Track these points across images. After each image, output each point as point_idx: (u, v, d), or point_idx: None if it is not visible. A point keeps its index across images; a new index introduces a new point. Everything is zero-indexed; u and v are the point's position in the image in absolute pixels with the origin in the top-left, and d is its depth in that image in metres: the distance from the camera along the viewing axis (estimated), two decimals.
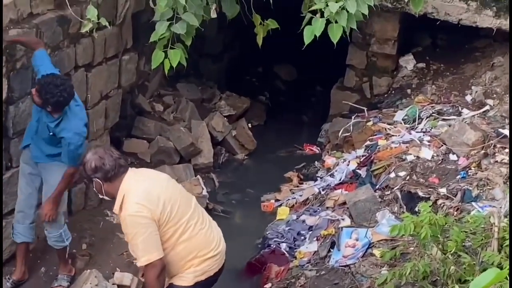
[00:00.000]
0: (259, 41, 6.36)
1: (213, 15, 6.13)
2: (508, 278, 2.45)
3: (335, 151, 7.96)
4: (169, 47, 5.85)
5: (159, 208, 4.83)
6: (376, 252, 6.12)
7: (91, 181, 4.99)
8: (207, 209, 7.34)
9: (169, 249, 4.96)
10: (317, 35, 5.80)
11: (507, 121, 7.09)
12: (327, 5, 5.86)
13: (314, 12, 5.93)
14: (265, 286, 6.48)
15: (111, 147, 5.61)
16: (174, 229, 4.94)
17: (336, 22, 5.86)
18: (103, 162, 4.89)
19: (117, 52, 7.17)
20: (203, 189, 7.60)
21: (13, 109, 6.06)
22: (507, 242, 5.03)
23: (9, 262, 6.44)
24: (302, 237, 6.83)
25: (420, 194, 6.45)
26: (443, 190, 6.45)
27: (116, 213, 5.06)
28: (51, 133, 5.83)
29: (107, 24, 5.96)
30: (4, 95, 5.91)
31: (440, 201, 6.33)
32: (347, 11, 5.89)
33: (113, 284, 6.34)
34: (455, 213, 6.03)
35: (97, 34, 6.16)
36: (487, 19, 7.49)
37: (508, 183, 6.29)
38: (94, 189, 5.07)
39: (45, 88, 5.55)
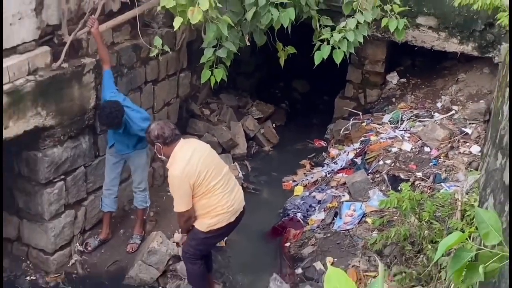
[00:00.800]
0: (281, 62, 6.59)
1: (247, 43, 6.35)
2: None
3: (337, 145, 8.11)
4: (214, 67, 6.07)
5: (194, 175, 5.18)
6: (369, 220, 6.32)
7: (154, 145, 5.36)
8: (242, 187, 7.62)
9: (196, 200, 5.29)
10: (325, 57, 6.06)
11: (468, 122, 7.22)
12: (332, 35, 6.10)
13: (322, 40, 6.14)
14: (285, 245, 6.66)
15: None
16: (202, 190, 5.26)
17: (339, 48, 6.07)
18: (163, 131, 5.28)
19: (176, 71, 7.37)
20: (239, 172, 7.82)
21: None
22: (468, 213, 5.19)
23: (96, 226, 6.75)
24: (313, 209, 6.96)
25: (402, 176, 6.60)
26: (419, 174, 6.60)
27: (168, 168, 5.40)
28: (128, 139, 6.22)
29: (168, 50, 6.23)
30: (93, 103, 6.22)
31: (417, 182, 6.47)
32: (347, 40, 6.09)
33: (173, 242, 6.49)
34: (428, 191, 6.19)
35: (161, 57, 6.43)
36: (453, 45, 7.61)
37: (468, 168, 6.48)
38: (155, 150, 5.43)
39: (101, 120, 6.02)
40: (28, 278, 6.36)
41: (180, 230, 5.93)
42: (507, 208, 3.46)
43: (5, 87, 5.27)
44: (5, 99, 5.27)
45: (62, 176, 6.17)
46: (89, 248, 6.60)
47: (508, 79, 4.79)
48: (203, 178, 5.23)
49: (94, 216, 6.74)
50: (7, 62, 5.31)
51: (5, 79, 5.28)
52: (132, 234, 6.74)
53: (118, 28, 6.38)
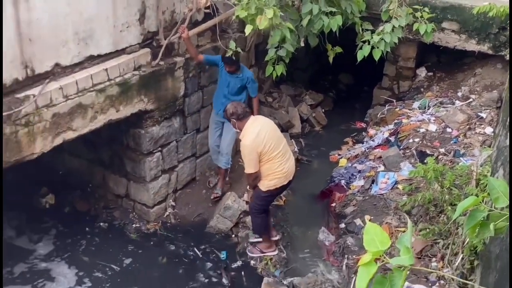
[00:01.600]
0: (330, 59, 6.54)
1: (302, 44, 6.33)
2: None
3: (375, 126, 7.99)
4: (275, 63, 6.08)
5: (261, 146, 5.39)
6: (400, 186, 6.25)
7: (230, 121, 5.55)
8: (297, 160, 7.62)
9: (261, 165, 5.52)
10: (365, 55, 6.00)
11: (483, 108, 7.04)
12: (372, 37, 6.03)
13: (363, 41, 6.08)
14: (331, 205, 6.65)
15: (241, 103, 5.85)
16: (266, 157, 5.42)
17: (377, 47, 5.99)
18: (237, 109, 5.47)
19: (247, 68, 7.37)
20: (294, 147, 7.77)
21: (187, 100, 6.43)
22: (482, 182, 5.09)
23: (186, 186, 6.88)
24: (354, 177, 6.91)
25: (428, 152, 6.49)
26: (442, 150, 6.49)
27: (241, 139, 5.57)
28: (238, 86, 6.24)
29: (240, 50, 6.25)
30: (182, 92, 6.33)
31: (440, 157, 6.36)
32: (385, 41, 6.01)
33: (243, 200, 6.60)
34: (449, 164, 6.08)
35: (234, 57, 6.47)
36: (472, 45, 7.41)
37: (483, 145, 6.33)
38: (231, 124, 5.62)
39: (228, 61, 6.09)
40: (134, 225, 6.59)
41: (248, 187, 6.16)
42: None
43: (116, 80, 5.45)
44: (116, 89, 5.45)
45: (159, 148, 6.31)
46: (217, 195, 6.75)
47: None
48: (268, 149, 5.42)
49: (184, 179, 6.88)
50: (118, 60, 5.49)
51: (116, 73, 5.46)
52: (217, 187, 6.83)
53: (202, 34, 6.45)
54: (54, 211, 6.71)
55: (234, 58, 6.08)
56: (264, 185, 5.64)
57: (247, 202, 6.61)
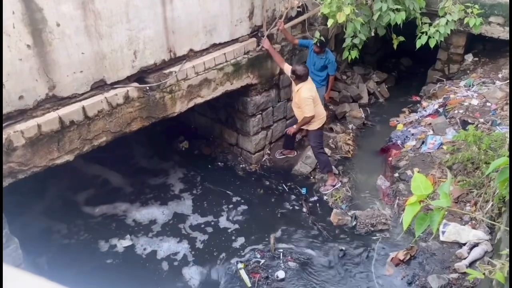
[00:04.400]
0: (395, 46, 6.23)
1: (372, 34, 6.07)
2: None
3: (428, 99, 7.53)
4: (351, 49, 5.91)
5: (313, 98, 5.53)
6: (444, 147, 5.90)
7: (292, 78, 5.59)
8: (363, 124, 7.41)
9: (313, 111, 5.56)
10: (423, 43, 5.66)
11: None
12: (429, 29, 5.66)
13: (422, 32, 5.73)
14: (389, 158, 6.40)
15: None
16: (315, 105, 5.48)
17: (433, 37, 5.65)
18: (300, 70, 5.46)
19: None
20: (362, 114, 7.53)
21: (282, 77, 6.33)
22: None
23: (278, 140, 6.83)
24: (408, 138, 6.60)
25: (469, 121, 6.05)
26: (481, 120, 6.02)
27: (295, 92, 5.63)
28: (322, 65, 6.14)
29: (323, 39, 6.11)
30: (278, 71, 6.20)
31: (479, 125, 5.92)
32: (439, 32, 5.65)
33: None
34: (487, 131, 5.65)
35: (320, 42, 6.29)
36: None
37: None
38: (291, 79, 5.66)
39: (320, 42, 5.97)
40: (241, 165, 6.76)
41: (297, 125, 5.91)
42: None
43: (231, 61, 5.51)
44: (231, 68, 5.53)
45: (260, 112, 6.36)
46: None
47: None
48: (315, 101, 5.56)
49: (277, 135, 6.90)
50: (233, 47, 5.53)
51: (231, 56, 5.52)
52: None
53: (295, 26, 6.33)
54: (187, 152, 7.09)
55: (321, 42, 5.97)
56: (315, 125, 5.78)
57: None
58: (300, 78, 5.54)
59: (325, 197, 6.06)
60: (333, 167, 6.23)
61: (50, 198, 5.98)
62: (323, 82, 6.46)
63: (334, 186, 6.10)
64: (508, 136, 4.96)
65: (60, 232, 5.52)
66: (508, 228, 3.32)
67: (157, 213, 5.87)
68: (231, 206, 6.03)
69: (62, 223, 5.60)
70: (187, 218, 5.83)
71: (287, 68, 5.77)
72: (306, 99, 5.55)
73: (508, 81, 6.59)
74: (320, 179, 6.33)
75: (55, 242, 5.35)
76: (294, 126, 5.93)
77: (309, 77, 5.68)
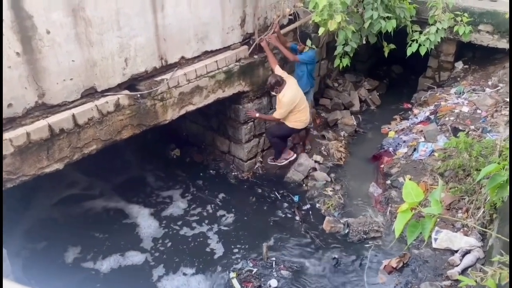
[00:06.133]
0: (386, 54, 6.25)
1: (364, 42, 6.10)
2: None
3: (419, 106, 7.55)
4: (342, 57, 5.93)
5: (293, 105, 5.69)
6: (436, 154, 5.92)
7: (273, 90, 5.76)
8: (355, 131, 7.43)
9: (291, 113, 5.78)
10: (414, 51, 5.70)
11: (509, 94, 6.49)
12: (419, 37, 5.72)
13: (412, 40, 5.78)
14: (381, 166, 6.42)
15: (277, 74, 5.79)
16: (295, 110, 5.66)
17: (424, 45, 5.69)
18: (276, 79, 5.69)
19: (318, 60, 7.16)
20: (354, 121, 7.56)
21: None
22: (504, 153, 4.76)
23: (270, 147, 6.76)
24: (400, 145, 6.63)
25: (460, 128, 6.08)
26: (472, 127, 6.05)
27: (278, 95, 5.73)
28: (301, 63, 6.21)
29: (315, 47, 6.14)
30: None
31: (470, 132, 5.94)
32: (430, 40, 5.69)
33: (312, 159, 6.53)
34: (478, 138, 5.67)
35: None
36: (503, 44, 6.73)
37: (506, 124, 5.85)
38: (274, 92, 5.78)
39: (301, 38, 6.10)
40: (233, 173, 6.74)
41: (262, 115, 6.13)
42: None
43: (223, 69, 5.51)
44: (223, 76, 5.53)
45: (252, 119, 6.35)
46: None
47: None
48: (295, 107, 5.75)
49: (269, 142, 6.85)
50: (225, 54, 5.53)
51: (223, 64, 5.52)
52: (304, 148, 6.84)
53: (286, 34, 6.35)
54: (179, 160, 7.05)
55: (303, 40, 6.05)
56: (290, 124, 5.92)
57: (315, 161, 6.59)
58: (278, 84, 5.71)
59: (317, 205, 6.05)
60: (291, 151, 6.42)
61: (32, 211, 5.87)
62: (306, 87, 6.37)
63: (288, 159, 6.33)
64: (499, 143, 5.00)
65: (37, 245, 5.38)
66: (499, 235, 3.34)
67: (148, 222, 5.82)
68: (223, 214, 6.00)
69: (41, 238, 5.44)
70: (178, 226, 5.78)
71: (277, 71, 5.85)
72: (283, 103, 5.74)
73: (497, 88, 6.68)
74: (313, 186, 6.33)
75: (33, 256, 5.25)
76: (258, 114, 6.05)
77: (289, 79, 5.80)
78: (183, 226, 5.80)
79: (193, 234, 5.68)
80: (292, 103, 5.73)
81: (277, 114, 5.88)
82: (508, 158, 2.22)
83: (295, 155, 6.42)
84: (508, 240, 2.45)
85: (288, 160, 6.40)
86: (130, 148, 6.97)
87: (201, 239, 5.61)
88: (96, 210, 5.96)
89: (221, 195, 6.31)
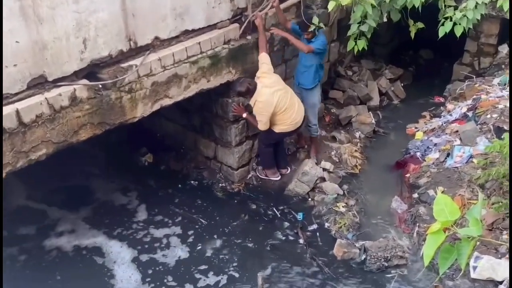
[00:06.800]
0: (412, 35, 6.29)
1: (385, 19, 6.13)
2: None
3: (453, 101, 7.58)
4: (357, 38, 5.96)
5: (270, 111, 5.84)
6: (475, 160, 5.92)
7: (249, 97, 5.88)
8: (373, 131, 7.47)
9: (274, 117, 5.93)
10: (447, 32, 5.72)
11: None
12: (454, 14, 5.74)
13: (445, 18, 5.80)
14: (405, 175, 6.44)
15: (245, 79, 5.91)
16: (278, 113, 5.91)
17: (459, 24, 5.71)
18: (245, 86, 5.83)
19: (328, 42, 7.18)
20: (372, 119, 7.57)
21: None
22: None
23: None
24: (430, 150, 6.63)
25: (505, 128, 6.06)
26: None
27: (252, 104, 5.89)
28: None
29: (323, 26, 6.16)
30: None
31: None
32: (467, 17, 5.72)
33: (320, 167, 6.58)
34: None
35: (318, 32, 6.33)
36: None
37: None
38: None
39: (304, 24, 6.06)
40: (220, 184, 6.75)
41: (250, 120, 6.17)
42: None
43: (208, 53, 5.52)
44: (208, 61, 5.53)
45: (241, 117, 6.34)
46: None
47: None
48: (279, 109, 5.90)
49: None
50: (210, 34, 5.54)
51: (208, 46, 5.52)
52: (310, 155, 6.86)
53: (288, 9, 6.35)
54: (151, 168, 7.05)
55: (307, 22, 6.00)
56: (277, 128, 6.09)
57: (324, 169, 6.61)
58: (248, 94, 5.85)
59: (326, 224, 6.06)
60: (279, 169, 6.71)
61: None
62: (314, 81, 6.39)
63: (269, 177, 6.68)
64: None
65: None
66: None
67: (114, 248, 5.80)
68: (207, 236, 5.99)
69: None
70: (151, 251, 5.77)
71: (263, 58, 5.87)
72: (258, 114, 5.91)
73: None
74: (321, 201, 6.34)
75: None
76: (245, 114, 6.12)
77: (263, 77, 5.86)
78: (156, 252, 5.78)
79: (169, 262, 5.66)
80: (268, 111, 5.85)
81: (260, 126, 6.03)
82: None
83: (279, 177, 6.72)
84: None
85: (268, 178, 6.72)
86: (89, 152, 6.94)
87: (181, 267, 5.60)
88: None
89: (205, 212, 6.31)
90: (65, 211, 6.30)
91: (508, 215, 5.07)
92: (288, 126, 6.11)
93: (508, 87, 6.86)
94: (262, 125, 5.98)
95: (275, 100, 5.83)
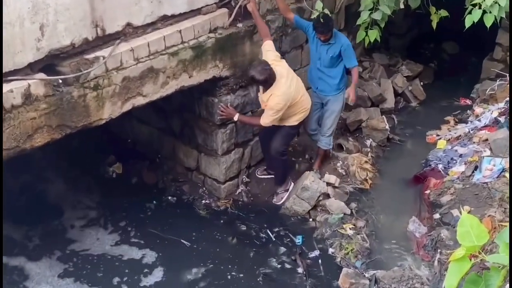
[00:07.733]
0: (434, 25, 6.28)
1: (401, 6, 6.15)
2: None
3: (482, 104, 7.62)
4: (368, 28, 5.98)
5: (286, 105, 5.91)
6: (507, 175, 5.85)
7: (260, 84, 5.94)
8: (387, 139, 7.50)
9: (289, 109, 5.99)
10: (475, 21, 5.72)
11: None
12: (484, 0, 5.75)
13: (473, 5, 5.83)
14: (425, 192, 6.44)
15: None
16: (294, 103, 6.00)
17: (490, 12, 5.73)
18: (257, 74, 5.80)
19: None
20: (386, 124, 7.56)
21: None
22: None
23: (260, 162, 6.99)
24: (454, 161, 6.63)
25: None
26: None
27: (262, 94, 6.01)
28: (330, 55, 6.27)
29: (328, 12, 6.16)
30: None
31: None
32: (499, 4, 5.73)
33: (323, 181, 6.57)
34: None
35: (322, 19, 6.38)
36: None
37: None
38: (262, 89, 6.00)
39: (323, 26, 6.09)
40: (203, 201, 6.75)
41: (245, 120, 6.35)
42: None
43: (190, 43, 5.53)
44: (190, 53, 5.54)
45: (233, 120, 6.35)
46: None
47: None
48: (294, 99, 6.00)
49: (258, 155, 6.94)
50: (193, 21, 5.55)
51: (190, 35, 5.53)
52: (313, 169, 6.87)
53: None
54: (120, 181, 7.02)
55: (325, 21, 5.99)
56: (293, 120, 6.18)
57: (328, 184, 6.61)
58: (266, 82, 5.82)
59: (330, 250, 6.06)
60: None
61: None
62: (340, 85, 6.48)
63: (288, 190, 6.70)
64: None
65: None
66: None
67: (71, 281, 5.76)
68: (188, 263, 5.96)
69: None
70: (119, 284, 5.73)
71: (267, 45, 5.94)
72: (272, 109, 5.90)
73: None
74: (324, 222, 6.35)
75: None
76: (237, 116, 6.18)
77: (280, 66, 5.92)
78: (125, 281, 5.74)
79: None
80: (285, 105, 5.91)
81: (266, 120, 5.97)
82: None
83: (292, 184, 6.79)
84: None
85: (289, 192, 6.71)
86: (45, 160, 6.92)
87: None
88: None
89: (185, 234, 6.27)
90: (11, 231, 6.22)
91: None
92: (304, 113, 6.23)
93: None
94: (269, 121, 5.98)
95: (293, 91, 5.92)
